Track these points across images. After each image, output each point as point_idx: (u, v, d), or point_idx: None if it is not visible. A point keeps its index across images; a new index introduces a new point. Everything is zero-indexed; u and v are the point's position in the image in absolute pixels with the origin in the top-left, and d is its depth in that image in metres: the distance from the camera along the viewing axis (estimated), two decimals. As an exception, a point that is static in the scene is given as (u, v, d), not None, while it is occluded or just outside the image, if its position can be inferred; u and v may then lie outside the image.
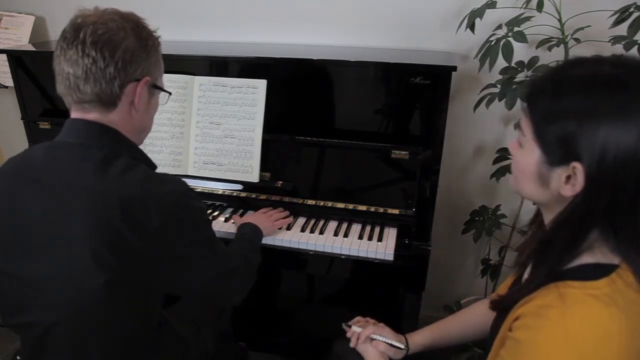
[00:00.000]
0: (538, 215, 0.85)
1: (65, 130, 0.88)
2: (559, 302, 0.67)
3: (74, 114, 0.88)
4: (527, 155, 0.72)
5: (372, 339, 1.12)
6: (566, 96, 0.67)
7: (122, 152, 0.87)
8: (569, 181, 0.68)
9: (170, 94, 1.00)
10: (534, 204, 0.85)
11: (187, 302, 1.21)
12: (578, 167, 0.65)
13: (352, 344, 1.13)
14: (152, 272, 0.85)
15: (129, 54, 0.84)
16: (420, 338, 1.13)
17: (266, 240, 1.34)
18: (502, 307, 0.81)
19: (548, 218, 0.76)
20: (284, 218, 1.40)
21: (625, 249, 0.68)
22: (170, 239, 0.84)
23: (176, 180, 0.88)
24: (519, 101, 1.15)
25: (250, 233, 1.24)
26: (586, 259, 0.70)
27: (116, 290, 0.82)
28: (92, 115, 0.87)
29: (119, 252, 0.80)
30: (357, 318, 1.21)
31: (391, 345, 1.10)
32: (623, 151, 0.63)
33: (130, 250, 0.80)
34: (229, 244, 1.15)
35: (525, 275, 0.82)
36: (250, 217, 1.35)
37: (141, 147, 0.96)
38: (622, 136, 0.62)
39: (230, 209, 1.49)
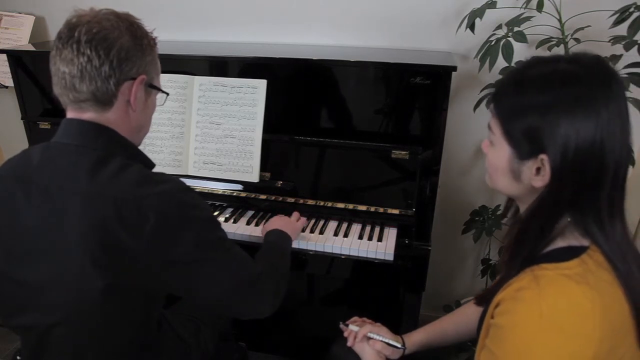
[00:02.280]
0: (516, 211, 0.88)
1: (61, 131, 0.87)
2: (534, 284, 0.70)
3: (70, 114, 0.88)
4: (499, 152, 0.76)
5: (369, 338, 1.12)
6: (527, 93, 0.71)
7: (117, 152, 0.86)
8: (539, 173, 0.72)
9: (167, 94, 0.98)
10: (508, 201, 0.89)
11: (188, 302, 1.21)
12: (545, 158, 0.70)
13: (349, 343, 1.13)
14: (154, 276, 0.83)
15: (124, 52, 0.84)
16: (417, 337, 1.14)
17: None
18: (486, 300, 0.83)
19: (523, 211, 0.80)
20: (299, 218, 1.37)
21: (592, 230, 0.71)
22: (170, 240, 0.81)
23: (173, 179, 0.85)
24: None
25: (277, 239, 1.18)
26: (559, 243, 0.74)
27: (115, 293, 0.81)
28: (88, 115, 0.86)
29: (116, 255, 0.79)
30: (354, 318, 1.21)
31: (388, 344, 1.10)
32: (583, 141, 0.67)
33: (127, 253, 0.79)
34: (257, 253, 1.08)
35: None
36: (273, 223, 1.28)
37: (141, 147, 0.95)
38: (582, 127, 0.67)
39: (231, 209, 1.49)
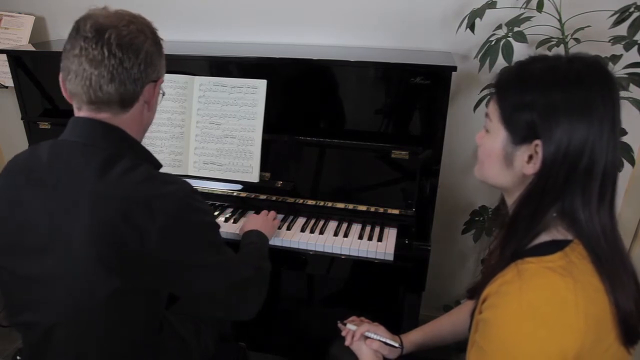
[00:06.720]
0: (504, 212, 0.89)
1: (70, 128, 0.88)
2: (517, 277, 0.71)
3: (81, 113, 0.88)
4: (494, 138, 0.78)
5: (367, 337, 1.12)
6: (530, 91, 0.73)
7: (126, 151, 0.87)
8: (531, 160, 0.74)
9: (164, 94, 1.01)
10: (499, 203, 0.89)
11: (187, 303, 1.21)
12: (539, 144, 0.72)
13: (346, 342, 1.13)
14: (157, 276, 0.85)
15: (149, 56, 0.87)
16: (414, 337, 1.14)
17: (266, 240, 1.34)
18: (476, 292, 0.83)
19: (510, 204, 0.81)
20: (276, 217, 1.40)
21: (579, 217, 0.72)
22: (174, 242, 0.83)
23: (180, 181, 0.87)
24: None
25: (258, 241, 1.20)
26: (543, 237, 0.75)
27: (120, 293, 0.82)
28: (102, 115, 0.87)
29: (121, 255, 0.80)
30: (352, 318, 1.21)
31: (385, 343, 1.11)
32: (576, 140, 0.70)
33: (133, 253, 0.80)
34: (238, 253, 1.11)
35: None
36: (252, 222, 1.30)
37: (141, 147, 0.96)
38: (577, 128, 0.69)
39: (231, 209, 1.49)
